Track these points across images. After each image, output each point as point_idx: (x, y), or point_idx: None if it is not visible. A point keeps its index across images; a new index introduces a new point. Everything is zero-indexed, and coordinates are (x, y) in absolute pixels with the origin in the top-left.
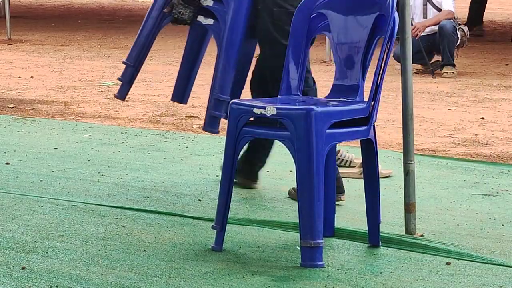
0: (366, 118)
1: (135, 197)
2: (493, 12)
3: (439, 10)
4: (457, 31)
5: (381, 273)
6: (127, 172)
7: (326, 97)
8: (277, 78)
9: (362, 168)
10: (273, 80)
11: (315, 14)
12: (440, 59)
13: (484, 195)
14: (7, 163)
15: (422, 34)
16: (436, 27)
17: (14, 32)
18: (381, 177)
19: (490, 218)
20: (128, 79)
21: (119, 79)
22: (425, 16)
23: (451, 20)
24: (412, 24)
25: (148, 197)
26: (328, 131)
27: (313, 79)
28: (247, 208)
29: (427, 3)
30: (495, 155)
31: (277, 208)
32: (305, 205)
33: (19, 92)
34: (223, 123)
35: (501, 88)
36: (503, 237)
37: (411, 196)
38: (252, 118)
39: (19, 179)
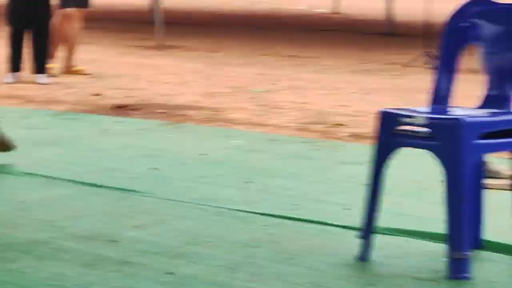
0: None
1: (282, 204)
2: None
3: None
4: None
5: None
6: (274, 179)
7: (477, 108)
8: None
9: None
10: None
11: (466, 24)
12: None
13: None
14: (155, 168)
15: None
16: None
17: (164, 38)
18: None
19: None
20: None
21: None
22: None
23: None
24: None
25: (295, 205)
26: (477, 141)
27: None
28: (393, 217)
29: None
30: None
31: (422, 218)
32: (453, 216)
33: (168, 97)
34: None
35: None
36: None
37: None
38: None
39: (167, 184)
